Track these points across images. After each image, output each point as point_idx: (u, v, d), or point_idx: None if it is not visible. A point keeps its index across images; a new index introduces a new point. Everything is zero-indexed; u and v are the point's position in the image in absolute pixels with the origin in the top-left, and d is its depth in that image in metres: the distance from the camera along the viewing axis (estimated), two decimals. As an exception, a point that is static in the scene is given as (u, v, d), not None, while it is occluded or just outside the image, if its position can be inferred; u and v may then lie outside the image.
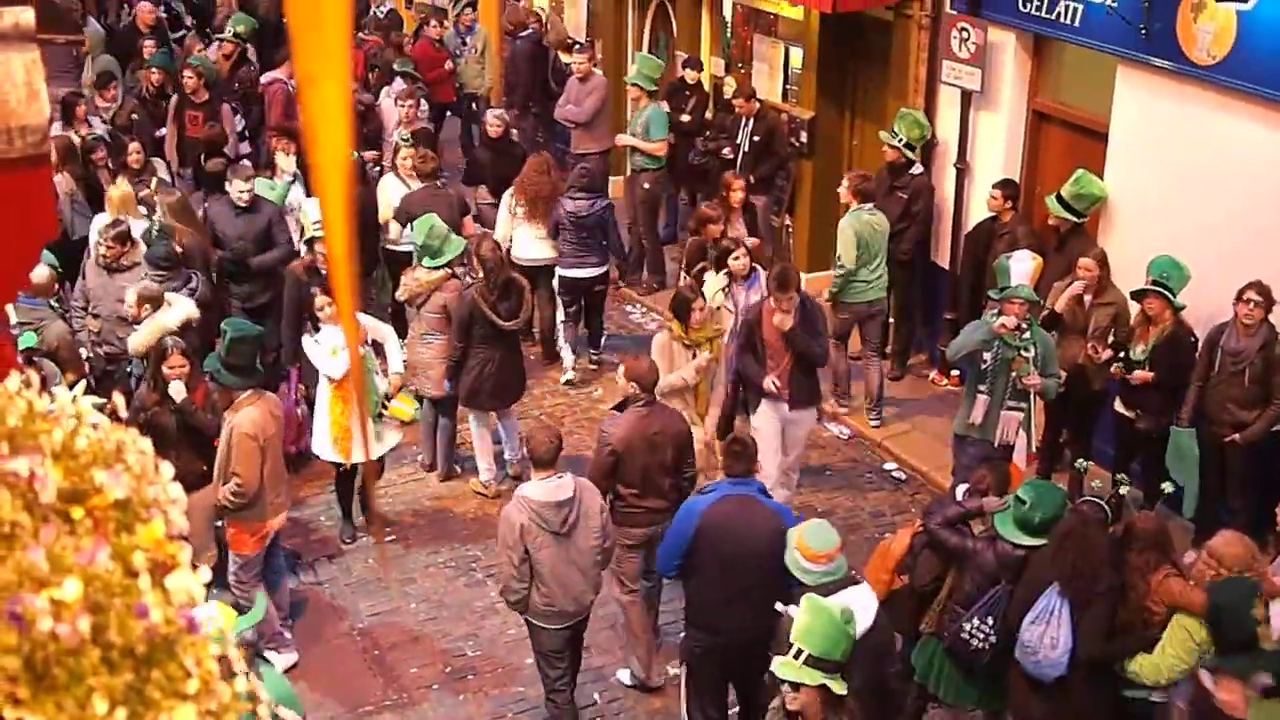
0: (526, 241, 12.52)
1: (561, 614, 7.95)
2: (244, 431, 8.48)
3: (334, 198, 1.61)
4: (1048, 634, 7.13)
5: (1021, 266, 9.77)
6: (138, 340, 9.65)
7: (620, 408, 8.85)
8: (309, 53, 1.60)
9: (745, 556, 7.43)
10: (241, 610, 9.21)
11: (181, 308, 9.79)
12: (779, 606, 6.74)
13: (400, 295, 11.00)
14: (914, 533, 8.02)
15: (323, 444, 10.10)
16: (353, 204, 1.80)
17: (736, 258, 10.70)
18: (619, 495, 8.60)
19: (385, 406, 10.11)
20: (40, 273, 10.18)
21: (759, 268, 10.86)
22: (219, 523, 9.17)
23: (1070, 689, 7.21)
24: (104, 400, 2.14)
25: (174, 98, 14.88)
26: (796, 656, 6.25)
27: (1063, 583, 7.15)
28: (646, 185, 14.43)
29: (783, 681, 6.35)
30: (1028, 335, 9.29)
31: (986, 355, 9.37)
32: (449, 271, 10.81)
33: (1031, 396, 9.42)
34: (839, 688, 6.22)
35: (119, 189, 11.96)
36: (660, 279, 14.71)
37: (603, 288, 13.06)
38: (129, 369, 10.03)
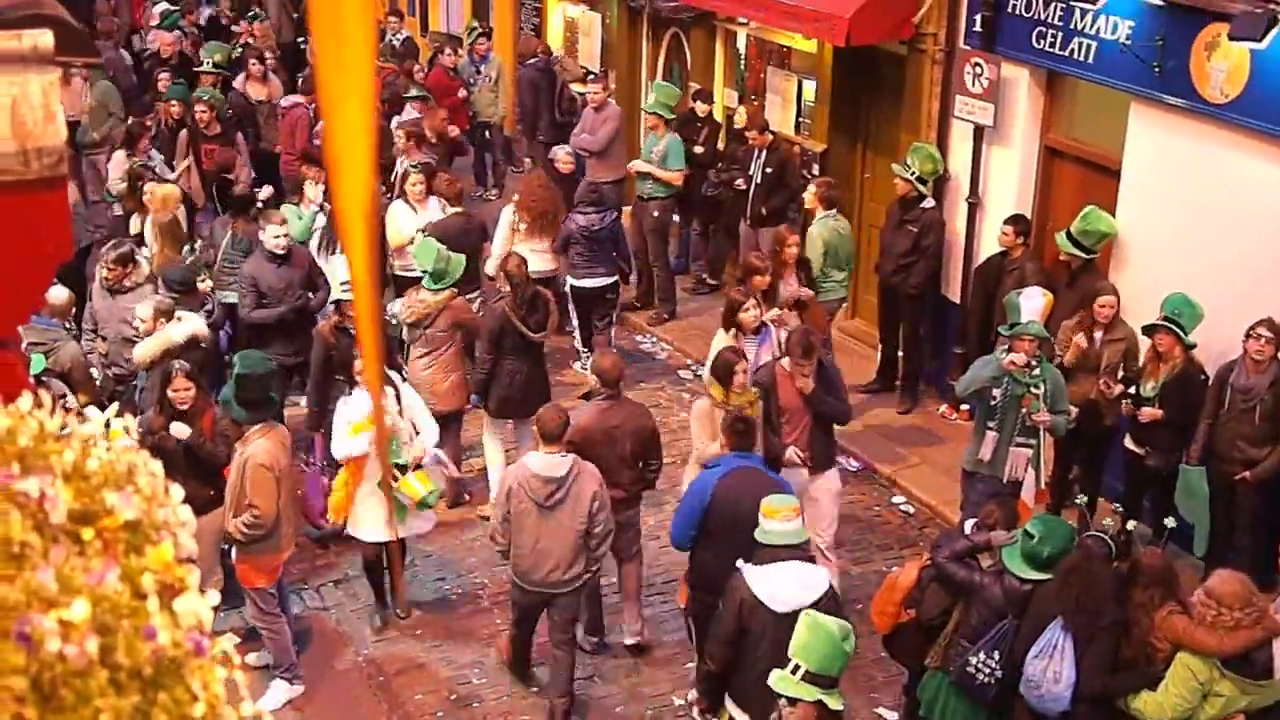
0: (528, 256, 12.60)
1: (530, 579, 8.52)
2: (259, 463, 8.45)
3: (356, 221, 1.61)
4: (1050, 668, 7.13)
5: (1032, 304, 9.76)
6: (142, 352, 9.80)
7: (588, 397, 9.63)
8: (333, 77, 1.60)
9: (752, 520, 7.56)
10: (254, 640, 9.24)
11: (189, 324, 9.83)
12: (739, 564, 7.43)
13: (406, 318, 11.05)
14: (921, 566, 8.00)
15: (332, 508, 9.75)
16: (375, 228, 1.80)
17: (746, 309, 10.35)
18: None
19: (396, 478, 9.16)
20: (57, 294, 10.22)
21: (769, 323, 10.51)
22: (225, 546, 9.18)
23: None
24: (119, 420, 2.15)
25: (183, 132, 14.90)
26: (794, 672, 6.39)
27: (1066, 617, 7.15)
28: (656, 213, 14.46)
29: (780, 695, 6.50)
30: (1038, 372, 9.27)
31: (996, 391, 9.35)
32: (454, 291, 11.05)
33: (1041, 433, 9.39)
34: (835, 703, 6.39)
35: (162, 188, 12.67)
36: (671, 308, 14.73)
37: (614, 296, 13.47)
38: (137, 389, 10.06)
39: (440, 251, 10.99)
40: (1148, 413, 9.52)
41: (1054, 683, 7.11)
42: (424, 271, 11.04)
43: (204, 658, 1.77)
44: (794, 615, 6.89)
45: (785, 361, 9.38)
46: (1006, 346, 9.42)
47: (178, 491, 1.99)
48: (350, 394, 9.41)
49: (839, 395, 9.59)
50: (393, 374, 9.67)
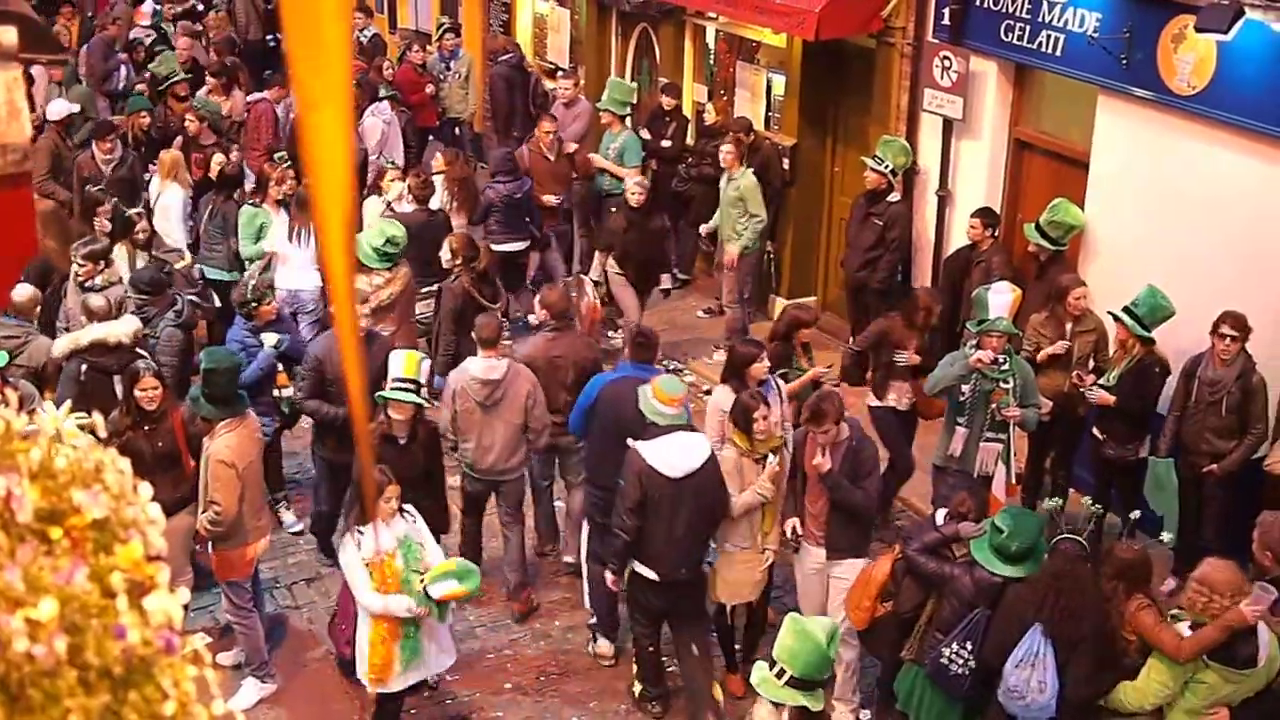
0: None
1: (478, 469, 9.63)
2: (220, 459, 8.42)
3: (335, 223, 1.60)
4: (1034, 678, 7.09)
5: (1000, 299, 9.74)
6: (57, 348, 9.86)
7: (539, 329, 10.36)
8: (309, 78, 1.59)
9: (631, 424, 8.60)
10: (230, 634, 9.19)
11: (101, 328, 9.72)
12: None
13: (381, 302, 11.22)
14: (894, 559, 8.01)
15: (360, 667, 8.23)
16: (353, 227, 1.79)
17: (754, 357, 9.39)
18: None
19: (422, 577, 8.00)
20: (22, 291, 10.16)
21: (772, 377, 9.35)
22: (197, 547, 9.13)
23: None
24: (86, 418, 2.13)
25: (176, 142, 14.41)
26: (779, 676, 6.40)
27: (1049, 625, 7.10)
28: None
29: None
30: (1006, 367, 9.29)
31: (965, 387, 9.35)
32: (405, 271, 11.53)
33: (1011, 427, 9.40)
34: (817, 705, 6.44)
35: (170, 153, 13.19)
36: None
37: (525, 260, 14.06)
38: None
39: (395, 237, 11.36)
40: (1101, 397, 9.55)
41: (1039, 692, 7.08)
42: (377, 253, 11.24)
43: (174, 656, 1.76)
44: (686, 479, 8.19)
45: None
46: (974, 342, 9.43)
47: (146, 489, 1.98)
48: (360, 533, 7.95)
49: (864, 480, 8.41)
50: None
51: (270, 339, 10.19)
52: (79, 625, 1.69)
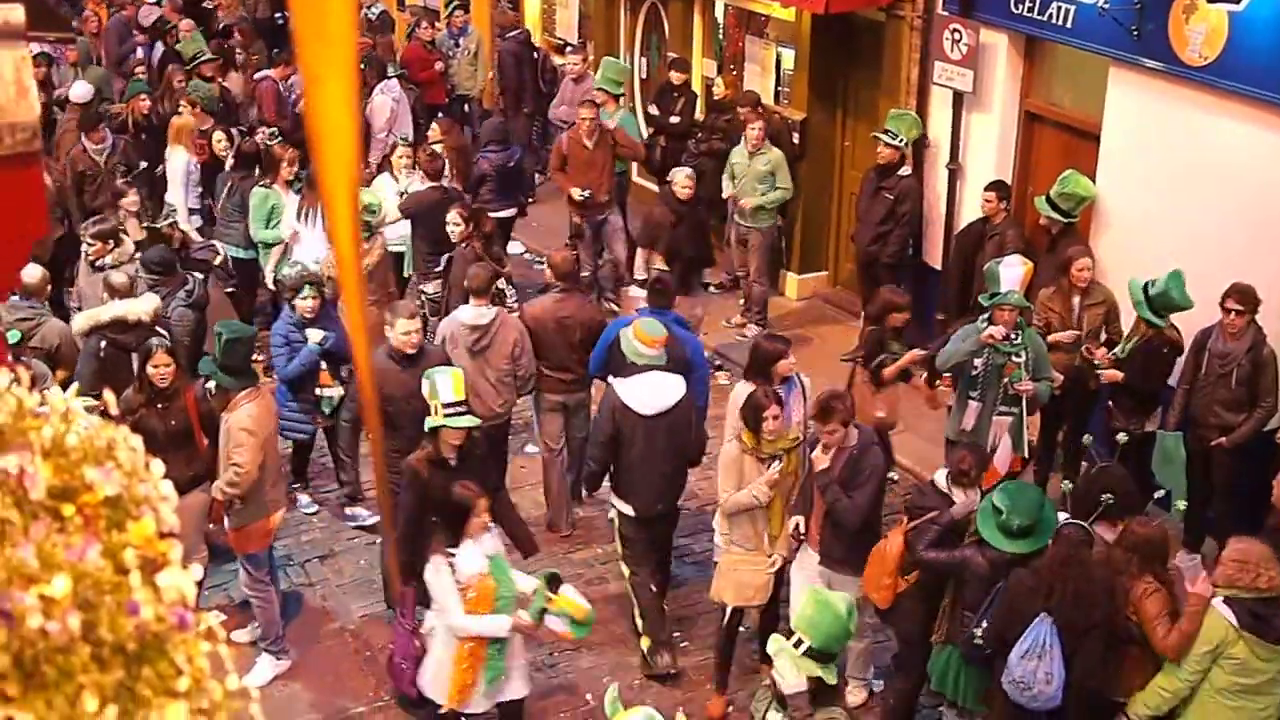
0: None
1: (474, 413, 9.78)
2: (242, 426, 8.49)
3: (341, 196, 1.59)
4: (1041, 669, 7.03)
5: (1012, 272, 9.71)
6: (76, 324, 9.92)
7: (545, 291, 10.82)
8: (314, 52, 1.58)
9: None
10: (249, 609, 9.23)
11: (120, 305, 9.75)
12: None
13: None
14: (904, 532, 8.00)
15: (438, 688, 7.81)
16: (359, 200, 1.78)
17: (779, 354, 8.94)
18: (539, 365, 10.19)
19: (550, 600, 7.71)
20: (32, 272, 10.17)
21: (798, 375, 9.11)
22: (211, 526, 9.17)
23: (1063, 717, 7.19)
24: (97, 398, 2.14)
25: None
26: (797, 645, 6.33)
27: (1058, 614, 7.05)
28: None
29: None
30: (1018, 340, 9.27)
31: (977, 362, 9.34)
32: (381, 240, 11.94)
33: (1023, 401, 9.38)
34: (831, 678, 6.36)
35: (180, 119, 13.59)
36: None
37: (511, 222, 14.46)
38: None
39: (373, 203, 11.79)
40: (1108, 374, 9.54)
41: (1045, 684, 7.02)
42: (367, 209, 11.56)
43: (187, 632, 1.77)
44: (658, 417, 8.73)
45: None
46: (987, 316, 9.41)
47: (158, 466, 1.98)
48: (456, 550, 7.52)
49: (854, 490, 8.08)
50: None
51: (315, 335, 9.94)
52: (92, 602, 1.70)
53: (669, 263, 12.26)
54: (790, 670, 6.35)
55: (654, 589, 9.12)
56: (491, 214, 13.33)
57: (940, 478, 8.09)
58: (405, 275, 12.74)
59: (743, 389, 8.73)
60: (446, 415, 8.09)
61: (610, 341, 9.63)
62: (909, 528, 7.96)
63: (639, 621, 9.15)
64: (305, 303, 9.98)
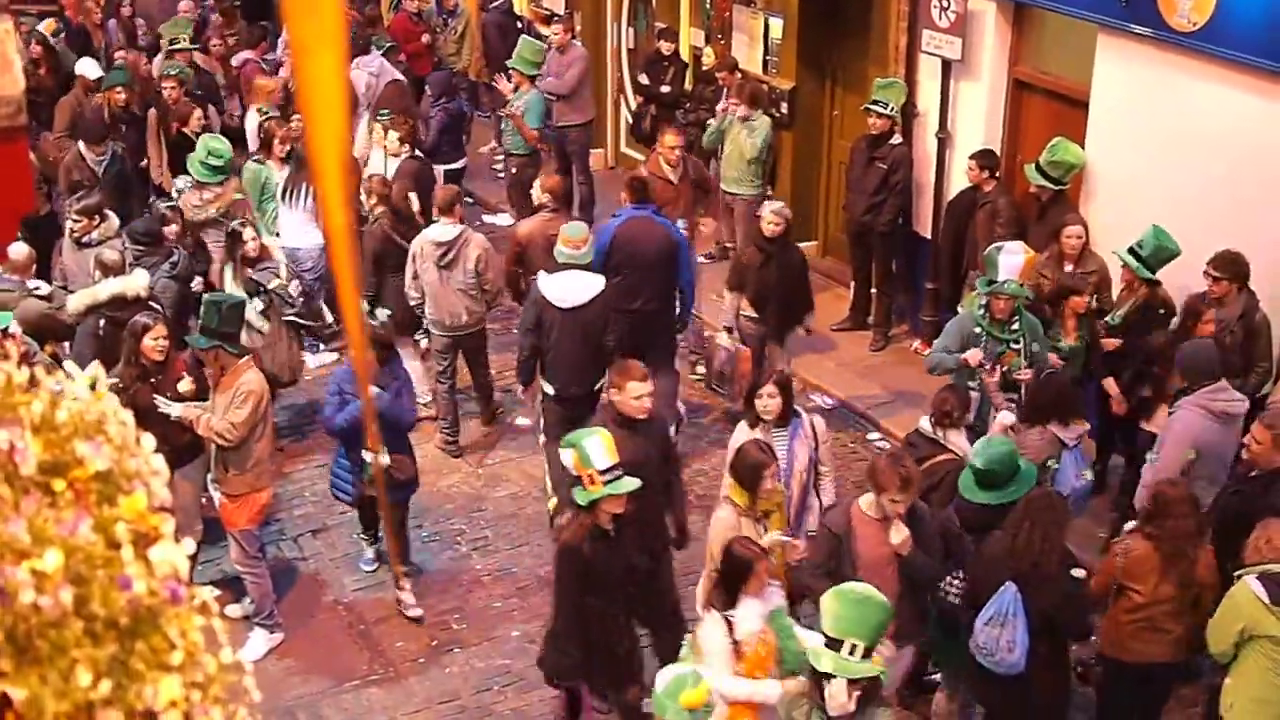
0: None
1: (441, 324, 10.96)
2: (249, 388, 8.56)
3: (332, 168, 1.58)
4: (1004, 637, 7.06)
5: (1012, 259, 9.55)
6: (73, 304, 9.82)
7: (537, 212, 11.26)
8: (303, 22, 1.56)
9: (646, 256, 10.54)
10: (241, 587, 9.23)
11: (117, 282, 9.73)
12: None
13: (202, 216, 11.71)
14: (913, 480, 8.10)
15: None
16: (351, 174, 1.77)
17: (760, 396, 8.41)
18: (529, 281, 10.55)
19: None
20: (19, 250, 10.14)
21: (801, 411, 8.66)
22: (204, 499, 9.17)
23: (1028, 678, 7.19)
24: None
25: (151, 113, 13.79)
26: (851, 653, 5.96)
27: (1019, 563, 7.06)
28: (514, 169, 14.30)
29: (825, 676, 6.04)
30: (1016, 327, 9.26)
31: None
32: (237, 182, 12.04)
33: (1022, 388, 9.33)
34: (883, 670, 6.13)
35: (267, 81, 13.61)
36: None
37: (461, 174, 14.58)
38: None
39: (217, 149, 11.74)
40: (1106, 342, 9.55)
41: (1008, 651, 7.04)
42: (205, 167, 11.66)
43: (181, 606, 1.77)
44: (573, 310, 9.70)
45: (864, 501, 7.41)
46: (984, 303, 9.36)
47: (149, 440, 1.98)
48: (732, 614, 6.84)
49: (931, 549, 7.45)
50: None
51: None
52: (84, 576, 1.69)
53: (758, 307, 11.04)
54: (842, 690, 5.98)
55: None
56: (445, 167, 13.74)
57: (925, 424, 8.20)
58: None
59: (742, 435, 8.24)
60: (606, 483, 7.23)
61: (605, 247, 10.50)
62: (920, 472, 8.03)
63: (548, 486, 10.06)
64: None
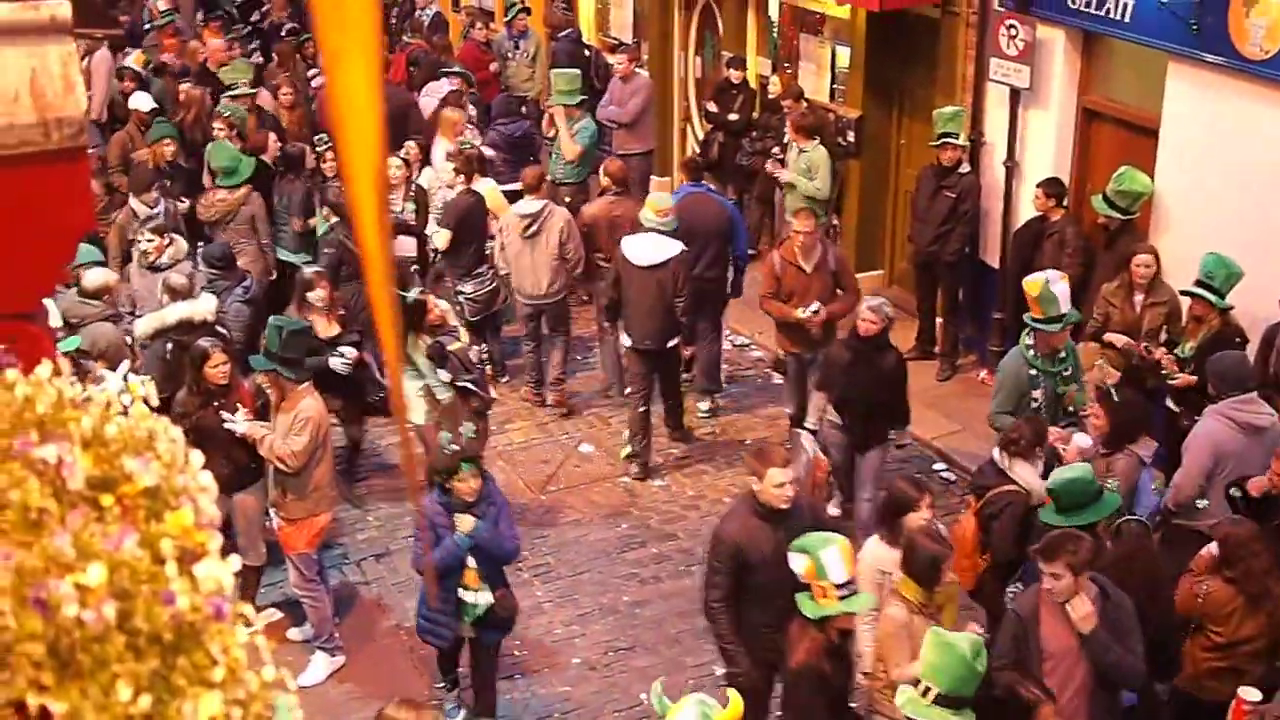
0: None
1: (523, 292, 12.04)
2: (307, 415, 8.62)
3: (365, 181, 1.56)
4: None
5: (1062, 287, 9.42)
6: (140, 329, 9.94)
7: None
8: (335, 27, 1.55)
9: (705, 228, 11.60)
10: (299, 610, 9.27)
11: (185, 306, 9.82)
12: None
13: (207, 217, 12.38)
14: (976, 512, 8.04)
15: None
16: (386, 189, 1.75)
17: (912, 503, 7.46)
18: (594, 256, 12.00)
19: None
20: (94, 277, 10.24)
21: (937, 523, 7.70)
22: (267, 523, 9.22)
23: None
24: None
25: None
26: (925, 694, 5.99)
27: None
28: (566, 199, 14.09)
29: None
30: (1064, 356, 9.19)
31: (1036, 393, 9.19)
32: (249, 188, 12.43)
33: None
34: None
35: (454, 114, 13.83)
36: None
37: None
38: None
39: (227, 150, 12.33)
40: (1181, 379, 9.39)
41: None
42: (219, 170, 12.32)
43: (224, 622, 1.76)
44: (650, 269, 10.81)
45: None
46: (1031, 341, 9.20)
47: (198, 457, 1.98)
48: None
49: (1126, 636, 6.74)
50: None
51: (466, 524, 7.95)
52: (129, 591, 1.69)
53: (840, 411, 10.01)
54: None
55: (642, 405, 11.26)
56: (501, 187, 13.64)
57: (997, 455, 8.17)
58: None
59: (874, 548, 7.57)
60: (841, 599, 6.60)
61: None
62: (979, 506, 7.98)
63: (626, 432, 11.54)
64: (465, 484, 7.92)
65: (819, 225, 11.29)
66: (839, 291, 11.01)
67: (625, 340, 11.25)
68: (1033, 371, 9.19)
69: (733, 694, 6.01)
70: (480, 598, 8.09)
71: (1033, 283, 9.27)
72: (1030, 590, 7.09)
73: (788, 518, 7.41)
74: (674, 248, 10.91)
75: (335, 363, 10.22)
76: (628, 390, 11.52)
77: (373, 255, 1.63)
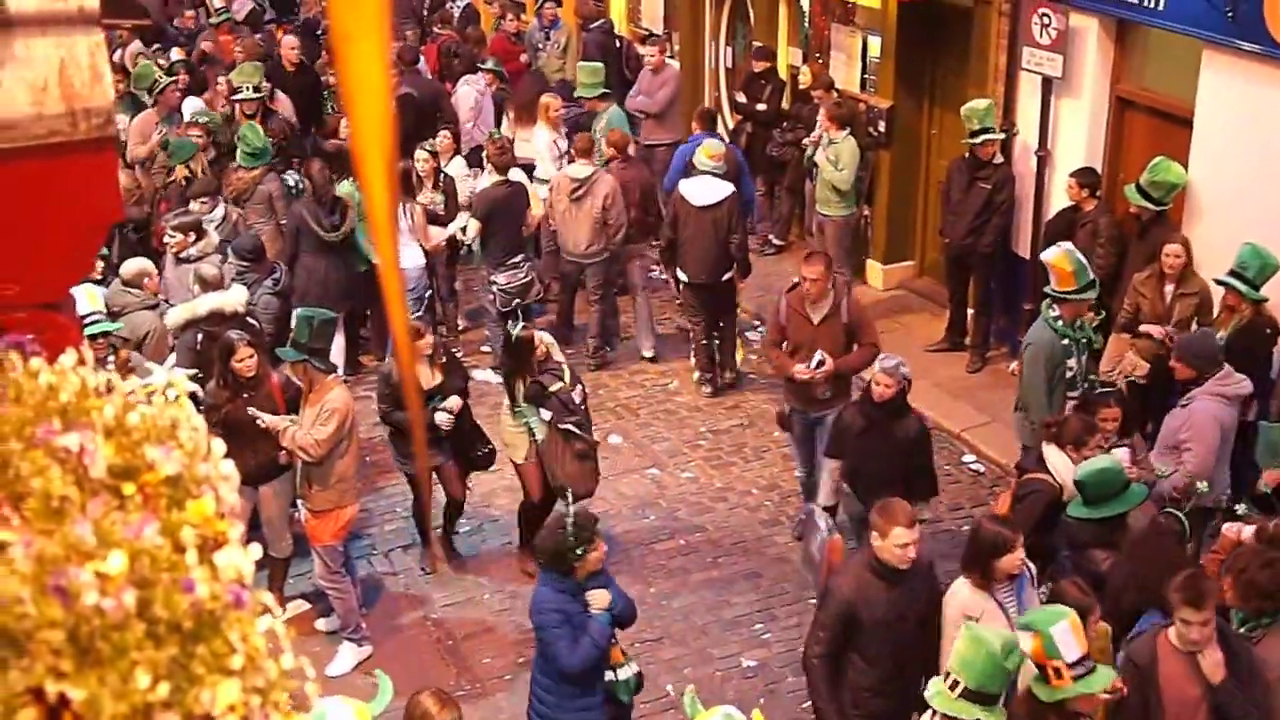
0: (517, 143, 13.91)
1: (569, 251, 12.84)
2: (335, 407, 8.62)
3: (375, 159, 1.55)
4: None
5: (1080, 255, 9.59)
6: (171, 319, 10.04)
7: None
8: (345, 6, 1.54)
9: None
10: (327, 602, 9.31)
11: (216, 297, 9.86)
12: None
13: (228, 194, 12.55)
14: (1013, 493, 8.05)
15: None
16: (396, 175, 1.75)
17: (1006, 545, 6.95)
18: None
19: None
20: (130, 266, 10.32)
21: (1029, 565, 7.26)
22: (294, 513, 9.25)
23: None
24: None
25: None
26: (953, 688, 5.98)
27: (1139, 595, 6.96)
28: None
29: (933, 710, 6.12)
30: (1082, 324, 9.38)
31: (1070, 362, 9.23)
32: (268, 166, 12.76)
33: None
34: (996, 719, 5.98)
35: (553, 100, 14.24)
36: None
37: None
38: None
39: (262, 136, 12.76)
40: None
41: None
42: (245, 150, 12.62)
43: (243, 610, 1.76)
44: (706, 208, 11.91)
45: (1172, 631, 6.35)
46: (1057, 313, 9.35)
47: (219, 446, 1.98)
48: None
49: (1255, 688, 6.38)
50: None
51: (601, 598, 7.28)
52: (149, 579, 1.69)
53: (853, 484, 9.18)
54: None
55: (704, 338, 12.50)
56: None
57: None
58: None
59: (961, 590, 7.11)
60: (1077, 678, 6.02)
61: (679, 167, 12.95)
62: (1015, 487, 8.12)
63: (692, 359, 12.86)
64: (597, 553, 7.34)
65: (827, 274, 9.76)
66: (854, 346, 9.81)
67: (682, 276, 12.26)
68: (1065, 341, 9.27)
69: (756, 715, 5.91)
70: (630, 669, 7.55)
71: (1061, 257, 9.37)
72: (1146, 637, 6.59)
73: (906, 579, 6.98)
74: (727, 189, 12.01)
75: (439, 417, 9.38)
76: (689, 322, 12.79)
77: (382, 232, 1.62)
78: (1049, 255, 9.53)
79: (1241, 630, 6.54)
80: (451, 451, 9.78)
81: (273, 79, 14.91)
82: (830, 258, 10.34)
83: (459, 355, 10.64)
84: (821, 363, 9.59)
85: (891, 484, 8.37)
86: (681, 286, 12.47)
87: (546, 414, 9.43)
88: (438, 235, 12.66)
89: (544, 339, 9.69)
